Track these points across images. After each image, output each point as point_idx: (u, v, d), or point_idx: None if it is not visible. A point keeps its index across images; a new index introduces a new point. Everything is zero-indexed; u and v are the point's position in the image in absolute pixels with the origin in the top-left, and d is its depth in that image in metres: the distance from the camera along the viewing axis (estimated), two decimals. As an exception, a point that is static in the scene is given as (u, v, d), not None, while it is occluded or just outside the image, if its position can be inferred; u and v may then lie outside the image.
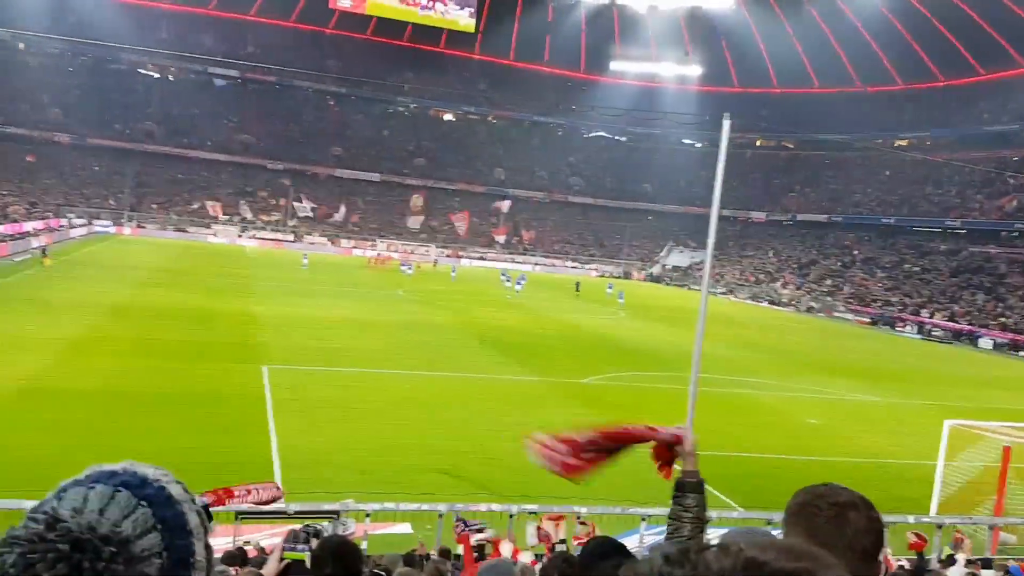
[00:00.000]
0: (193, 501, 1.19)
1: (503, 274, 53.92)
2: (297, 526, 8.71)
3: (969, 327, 53.13)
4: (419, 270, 60.41)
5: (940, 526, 10.22)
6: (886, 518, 8.81)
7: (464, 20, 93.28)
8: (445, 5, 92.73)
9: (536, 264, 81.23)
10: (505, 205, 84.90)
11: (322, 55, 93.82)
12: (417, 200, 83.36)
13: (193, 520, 1.16)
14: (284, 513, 9.31)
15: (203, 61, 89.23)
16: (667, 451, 2.61)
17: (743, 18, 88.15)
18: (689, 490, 2.55)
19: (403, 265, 59.14)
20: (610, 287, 57.25)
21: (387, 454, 15.52)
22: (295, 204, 79.85)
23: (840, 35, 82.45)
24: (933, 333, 53.80)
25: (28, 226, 54.11)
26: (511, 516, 9.25)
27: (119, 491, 1.11)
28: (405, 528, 10.98)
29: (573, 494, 12.83)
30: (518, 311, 42.44)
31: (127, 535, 1.07)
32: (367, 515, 9.23)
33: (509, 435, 17.67)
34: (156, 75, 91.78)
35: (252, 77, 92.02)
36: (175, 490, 1.17)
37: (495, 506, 9.86)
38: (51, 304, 29.38)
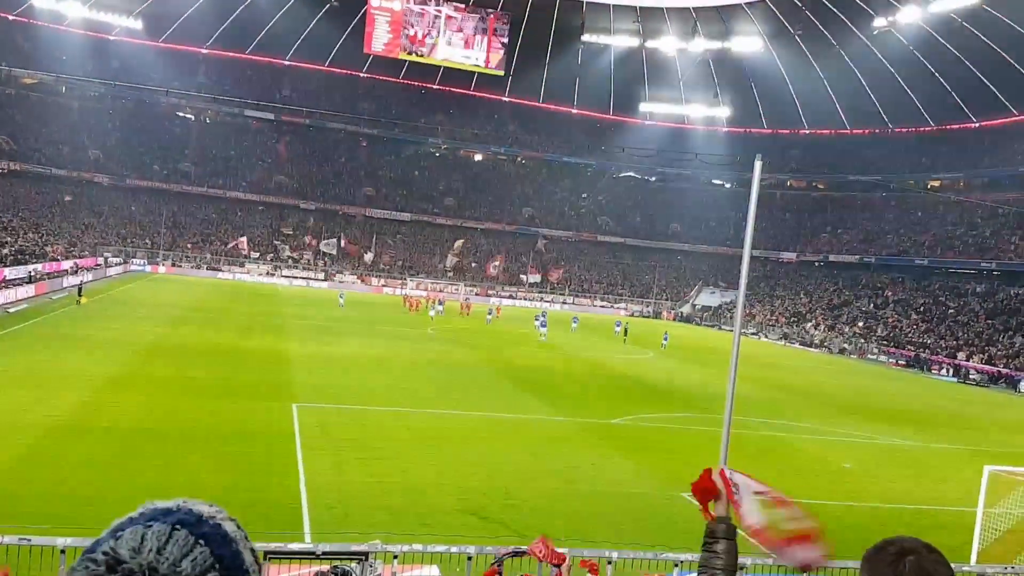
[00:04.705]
0: (246, 538, 1.18)
1: (536, 318, 53.19)
2: (325, 567, 8.69)
3: (1007, 370, 52.04)
4: (448, 309, 60.56)
5: (982, 575, 9.94)
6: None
7: (494, 64, 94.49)
8: (471, 48, 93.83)
9: (564, 304, 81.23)
10: (540, 243, 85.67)
11: (355, 98, 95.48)
12: (458, 244, 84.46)
13: (248, 558, 1.16)
14: (312, 554, 9.27)
15: (239, 104, 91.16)
16: (711, 490, 2.59)
17: (772, 60, 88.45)
18: (721, 536, 2.49)
19: (438, 304, 59.49)
20: (617, 325, 55.66)
21: (415, 494, 15.45)
22: (327, 243, 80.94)
23: (870, 76, 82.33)
24: (970, 376, 52.76)
25: (66, 264, 55.16)
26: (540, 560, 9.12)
27: (177, 530, 1.10)
28: (433, 571, 10.88)
29: (604, 538, 12.68)
30: (548, 350, 42.32)
31: (187, 574, 1.07)
32: (395, 557, 9.17)
33: (537, 476, 17.54)
34: (193, 118, 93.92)
35: (287, 119, 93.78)
36: (229, 527, 1.16)
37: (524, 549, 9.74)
38: (86, 341, 29.83)
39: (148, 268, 72.37)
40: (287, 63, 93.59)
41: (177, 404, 20.93)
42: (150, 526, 1.11)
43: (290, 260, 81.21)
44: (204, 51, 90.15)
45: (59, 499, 13.14)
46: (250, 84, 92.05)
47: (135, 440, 17.22)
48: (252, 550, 1.18)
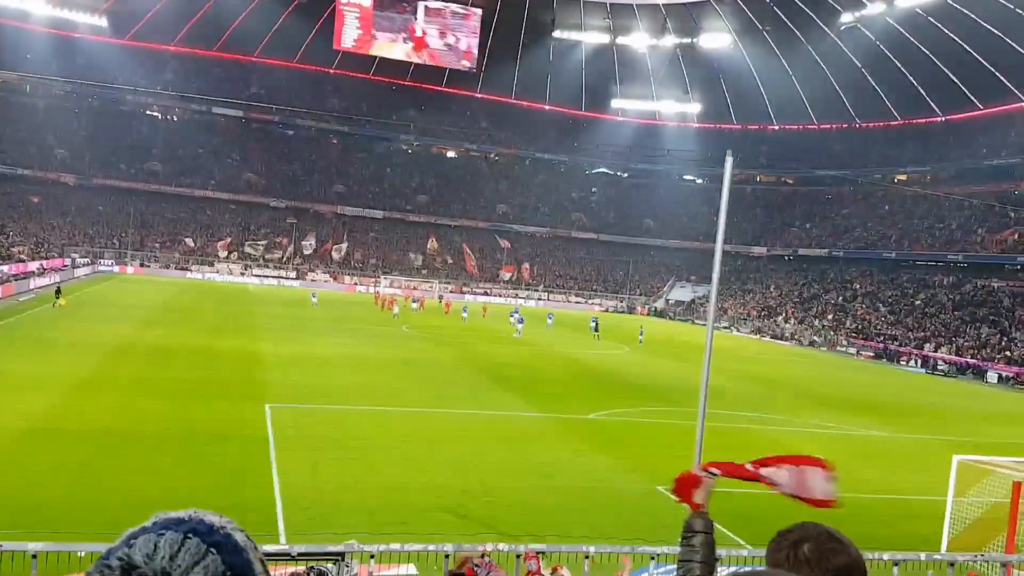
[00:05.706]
0: (256, 548, 1.20)
1: (511, 314, 53.38)
2: (301, 568, 8.63)
3: (975, 361, 52.90)
4: (423, 306, 60.43)
5: (953, 564, 10.09)
6: (898, 555, 8.72)
7: (465, 60, 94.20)
8: (444, 40, 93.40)
9: (539, 300, 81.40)
10: (503, 244, 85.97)
11: (325, 94, 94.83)
12: (433, 243, 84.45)
13: (258, 568, 1.18)
14: (288, 555, 9.21)
15: (207, 101, 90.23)
16: (691, 485, 2.60)
17: (741, 56, 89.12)
18: (698, 529, 2.50)
19: (414, 302, 59.55)
20: (593, 321, 55.18)
21: (391, 493, 15.39)
22: (298, 241, 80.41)
23: (837, 72, 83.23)
24: (938, 367, 53.58)
25: (33, 266, 54.30)
26: (518, 556, 9.16)
27: (189, 538, 1.12)
28: (411, 570, 10.85)
29: (581, 533, 12.73)
30: (523, 347, 42.36)
31: None
32: (372, 556, 9.14)
33: (514, 472, 17.56)
34: (160, 116, 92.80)
35: (256, 117, 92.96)
36: (239, 537, 1.18)
37: (502, 545, 9.77)
38: (56, 343, 29.39)
39: (116, 268, 71.47)
40: (255, 60, 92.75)
41: (148, 406, 20.67)
42: (163, 534, 1.13)
43: (261, 259, 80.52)
44: (171, 49, 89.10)
45: (31, 503, 12.94)
46: (218, 81, 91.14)
47: (107, 443, 17.00)
48: (262, 560, 1.20)
